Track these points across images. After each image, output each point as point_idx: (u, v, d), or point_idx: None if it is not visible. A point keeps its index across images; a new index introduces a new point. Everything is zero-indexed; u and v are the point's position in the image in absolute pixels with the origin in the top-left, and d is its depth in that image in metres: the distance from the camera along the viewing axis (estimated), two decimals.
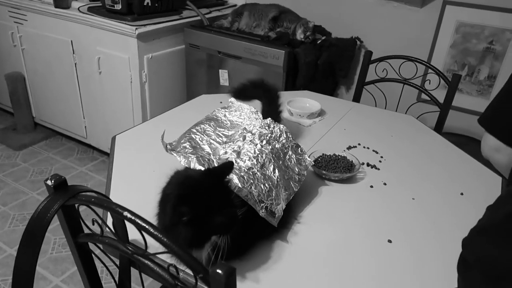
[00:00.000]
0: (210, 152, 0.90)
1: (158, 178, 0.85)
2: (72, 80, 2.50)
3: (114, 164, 1.16)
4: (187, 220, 0.72)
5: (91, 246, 0.79)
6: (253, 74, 2.17)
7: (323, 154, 1.21)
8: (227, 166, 0.79)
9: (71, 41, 2.37)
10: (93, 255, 0.81)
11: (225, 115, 1.07)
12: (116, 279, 0.84)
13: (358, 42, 2.32)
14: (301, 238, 0.91)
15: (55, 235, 2.00)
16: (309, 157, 1.06)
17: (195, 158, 0.84)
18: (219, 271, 0.53)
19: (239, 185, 0.81)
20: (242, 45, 2.11)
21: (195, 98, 1.67)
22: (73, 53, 2.40)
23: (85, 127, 2.64)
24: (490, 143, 0.71)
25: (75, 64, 2.43)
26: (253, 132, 0.97)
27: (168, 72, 2.38)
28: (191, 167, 0.83)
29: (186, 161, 0.84)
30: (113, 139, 1.29)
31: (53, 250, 1.94)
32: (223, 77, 2.29)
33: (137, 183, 1.08)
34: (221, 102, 1.59)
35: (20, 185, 2.39)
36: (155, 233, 0.57)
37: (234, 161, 0.87)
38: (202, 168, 0.83)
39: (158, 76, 2.30)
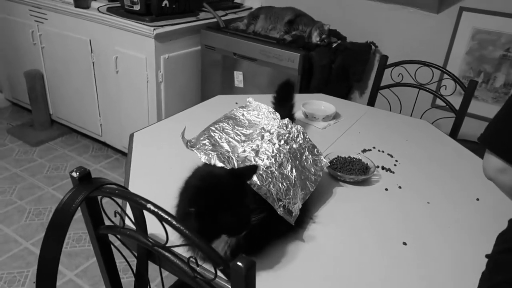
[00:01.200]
0: (229, 150, 0.92)
1: (175, 174, 0.87)
2: (89, 79, 2.54)
3: (132, 160, 1.18)
4: (194, 213, 0.73)
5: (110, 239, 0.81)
6: (268, 76, 2.18)
7: (338, 156, 1.22)
8: (251, 169, 0.80)
9: (90, 41, 2.41)
10: (112, 247, 0.83)
11: (243, 114, 1.09)
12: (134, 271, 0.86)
13: (373, 47, 2.32)
14: (316, 238, 0.92)
15: (69, 230, 2.03)
16: (324, 158, 1.07)
17: (215, 155, 0.86)
18: (239, 263, 0.54)
19: (258, 183, 0.83)
20: (258, 47, 2.13)
21: (210, 99, 1.69)
22: (91, 52, 2.44)
23: (101, 125, 2.68)
24: (494, 164, 0.65)
25: (93, 63, 2.47)
26: (271, 131, 0.98)
27: (184, 73, 2.41)
28: (212, 163, 0.85)
29: (206, 157, 0.86)
30: (131, 136, 1.31)
31: (68, 244, 1.97)
32: (238, 78, 2.32)
33: (155, 180, 1.11)
34: (236, 103, 1.60)
35: (36, 180, 2.43)
36: (177, 225, 0.59)
37: (253, 160, 0.89)
38: (222, 165, 0.84)
39: (174, 76, 2.33)
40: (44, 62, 2.76)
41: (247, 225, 0.76)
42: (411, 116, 1.71)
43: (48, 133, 2.94)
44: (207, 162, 0.86)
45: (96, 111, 2.64)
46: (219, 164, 0.85)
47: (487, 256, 0.62)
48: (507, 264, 0.54)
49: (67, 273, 1.82)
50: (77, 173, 0.71)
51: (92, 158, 2.72)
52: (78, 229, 2.05)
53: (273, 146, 0.93)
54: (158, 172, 1.14)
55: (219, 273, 0.59)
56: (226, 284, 0.76)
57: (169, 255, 0.66)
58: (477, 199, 1.12)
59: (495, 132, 0.67)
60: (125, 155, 2.76)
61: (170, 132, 1.36)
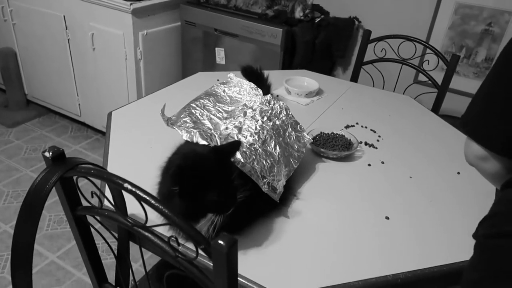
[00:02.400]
0: (211, 127, 0.89)
1: (155, 153, 0.84)
2: (65, 57, 2.45)
3: (110, 140, 1.15)
4: (178, 192, 0.71)
5: (90, 221, 0.79)
6: (250, 53, 2.14)
7: (321, 132, 1.21)
8: (235, 145, 0.79)
9: (64, 16, 2.31)
10: (91, 228, 0.81)
11: (224, 91, 1.06)
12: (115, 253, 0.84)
13: (356, 22, 2.29)
14: (300, 214, 0.91)
15: (50, 212, 2.00)
16: (307, 135, 1.06)
17: (197, 133, 0.83)
18: (221, 242, 0.53)
19: (242, 160, 0.81)
20: (239, 22, 2.08)
21: (191, 76, 1.64)
22: (66, 28, 2.34)
23: (79, 104, 2.61)
24: (475, 152, 0.61)
25: (68, 40, 2.38)
26: (253, 108, 0.96)
27: (164, 50, 2.35)
28: (194, 141, 0.82)
29: (188, 135, 0.83)
30: (109, 115, 1.27)
31: (49, 227, 1.94)
32: (220, 55, 2.26)
33: (135, 159, 1.08)
34: (218, 80, 1.57)
35: (13, 162, 2.37)
36: (156, 204, 0.57)
37: (236, 137, 0.87)
38: (205, 143, 0.82)
39: (153, 54, 2.27)
40: (16, 40, 2.64)
41: (233, 202, 0.75)
42: (394, 91, 1.71)
43: (24, 113, 2.84)
44: (189, 140, 0.84)
45: (74, 90, 2.56)
46: (202, 142, 0.82)
47: (474, 237, 0.61)
48: (502, 251, 0.52)
49: (49, 255, 1.80)
50: (50, 153, 0.67)
51: (72, 139, 2.66)
52: (59, 211, 2.01)
53: (256, 123, 0.91)
54: (138, 151, 1.11)
55: (201, 252, 0.58)
56: (209, 263, 0.75)
57: (149, 235, 0.64)
58: (458, 173, 1.13)
59: (475, 116, 0.61)
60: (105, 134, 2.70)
61: (150, 110, 1.32)
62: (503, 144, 0.58)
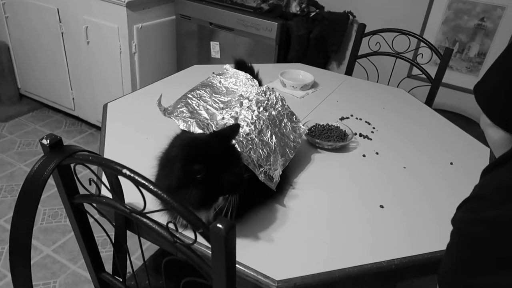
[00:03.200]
0: (208, 117, 0.90)
1: (151, 144, 0.85)
2: (59, 50, 2.44)
3: (106, 132, 1.15)
4: (201, 178, 0.71)
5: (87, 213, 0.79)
6: (245, 47, 2.14)
7: (316, 124, 1.22)
8: (233, 128, 0.79)
9: (57, 9, 2.30)
10: (88, 216, 0.81)
11: (220, 82, 1.06)
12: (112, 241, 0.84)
13: (351, 17, 2.30)
14: (295, 203, 0.92)
15: (44, 206, 1.99)
16: (302, 125, 1.07)
17: (194, 122, 0.83)
18: (219, 225, 0.53)
19: (239, 149, 0.82)
20: (234, 16, 2.08)
21: (187, 69, 1.65)
22: (60, 22, 2.33)
23: (73, 99, 2.59)
24: (483, 118, 0.67)
25: (62, 33, 2.36)
26: (250, 98, 0.97)
27: (158, 43, 2.34)
28: (191, 130, 0.83)
29: (185, 125, 0.84)
30: (105, 106, 1.27)
31: (43, 220, 1.93)
32: (215, 49, 2.26)
33: (130, 150, 1.08)
34: (213, 73, 1.57)
35: (7, 156, 2.35)
36: (155, 189, 0.58)
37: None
38: (201, 131, 0.82)
39: (148, 47, 2.26)
40: (9, 33, 2.62)
41: (244, 181, 0.76)
42: (388, 85, 1.72)
43: (17, 108, 2.82)
44: (186, 129, 0.84)
45: (68, 84, 2.55)
46: (199, 131, 0.83)
47: (453, 222, 0.62)
48: (478, 239, 0.53)
49: (44, 249, 1.79)
50: (48, 140, 0.68)
51: (66, 133, 2.65)
52: (54, 204, 2.00)
53: (252, 113, 0.92)
54: (134, 142, 1.11)
55: (199, 240, 0.59)
56: (206, 250, 0.76)
57: (147, 221, 0.65)
58: (451, 163, 1.14)
59: (482, 89, 0.67)
60: (100, 129, 2.69)
61: (146, 102, 1.32)
62: (506, 122, 0.63)
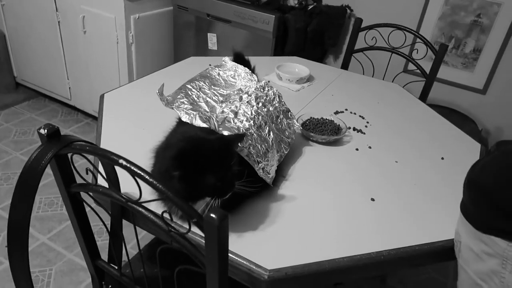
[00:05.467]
0: (208, 110, 0.91)
1: (147, 135, 0.86)
2: (55, 39, 2.43)
3: (103, 122, 1.16)
4: (178, 176, 0.73)
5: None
6: (242, 39, 2.15)
7: (311, 117, 1.23)
8: (240, 137, 0.81)
9: None
10: (85, 205, 0.83)
11: (219, 74, 1.07)
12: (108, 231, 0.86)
13: (348, 11, 2.31)
14: (289, 195, 0.94)
15: (40, 195, 2.00)
16: (297, 119, 1.09)
17: (197, 115, 0.84)
18: (212, 215, 0.55)
19: (239, 144, 0.83)
20: (232, 8, 2.08)
21: (184, 60, 1.65)
22: (56, 10, 2.32)
23: (69, 88, 2.59)
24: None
25: (59, 22, 2.35)
26: (249, 93, 0.98)
27: (156, 34, 2.34)
28: (194, 123, 0.84)
29: (188, 117, 0.85)
30: (102, 97, 1.28)
31: (39, 209, 1.95)
32: (212, 41, 2.27)
33: (127, 140, 1.09)
34: (210, 65, 1.57)
35: (3, 145, 2.35)
36: (150, 179, 0.59)
37: (232, 121, 0.88)
38: (204, 125, 0.83)
39: (145, 38, 2.26)
40: (5, 21, 2.61)
41: (231, 188, 0.77)
42: (383, 79, 1.74)
43: (13, 96, 2.82)
44: (188, 121, 0.85)
45: (64, 73, 2.54)
46: (202, 124, 0.84)
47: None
48: None
49: (40, 237, 1.81)
50: (45, 130, 0.69)
51: (62, 123, 2.65)
52: (50, 193, 2.01)
53: (251, 108, 0.93)
54: (131, 133, 1.12)
55: (193, 230, 0.61)
56: (200, 240, 0.78)
57: (143, 211, 0.66)
58: (442, 158, 1.16)
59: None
60: (96, 119, 2.69)
61: (143, 93, 1.33)
62: None
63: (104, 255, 0.96)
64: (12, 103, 2.76)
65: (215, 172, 0.75)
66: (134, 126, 1.15)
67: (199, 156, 0.75)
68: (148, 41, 2.29)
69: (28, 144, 2.37)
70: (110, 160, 0.62)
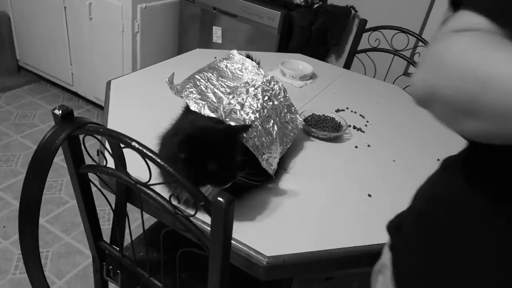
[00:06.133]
0: (215, 100, 0.93)
1: (153, 123, 0.88)
2: (60, 25, 2.44)
3: (110, 108, 1.18)
4: (183, 158, 0.76)
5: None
6: (247, 34, 2.17)
7: (313, 113, 1.26)
8: (245, 128, 0.83)
9: None
10: (92, 185, 0.85)
11: (226, 66, 1.10)
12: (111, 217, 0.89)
13: (353, 11, 2.33)
14: (289, 187, 0.97)
15: None
16: (300, 115, 1.12)
17: (206, 105, 0.87)
18: (220, 199, 0.58)
19: (245, 135, 0.86)
20: (238, 3, 2.10)
21: (189, 52, 1.67)
22: None
23: (72, 74, 2.60)
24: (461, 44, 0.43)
25: (65, 8, 2.36)
26: (256, 86, 1.00)
27: (161, 24, 2.35)
28: (202, 113, 0.86)
29: (197, 106, 0.87)
30: (108, 83, 1.30)
31: None
32: (216, 34, 2.29)
33: (133, 127, 1.11)
34: (215, 57, 1.60)
35: (3, 127, 2.37)
36: (161, 162, 0.62)
37: (238, 113, 0.91)
38: (213, 115, 0.86)
39: (150, 28, 2.27)
40: (11, 4, 2.61)
41: (232, 177, 0.79)
42: (384, 81, 1.77)
43: (15, 79, 2.83)
44: (197, 111, 0.87)
45: (68, 59, 2.55)
46: (211, 114, 0.86)
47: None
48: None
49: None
50: (60, 111, 0.71)
51: None
52: (49, 177, 2.02)
53: (257, 102, 0.96)
54: (136, 121, 1.15)
55: (197, 215, 0.63)
56: (204, 226, 0.80)
57: (151, 193, 0.69)
58: (438, 160, 1.20)
59: None
60: (97, 106, 2.71)
61: (148, 82, 1.35)
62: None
63: (106, 239, 0.98)
64: (13, 86, 2.77)
65: (218, 159, 0.77)
66: (140, 113, 1.18)
67: (204, 142, 0.77)
68: (153, 31, 2.31)
69: (28, 127, 2.39)
70: (123, 142, 0.64)
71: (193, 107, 0.87)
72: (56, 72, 2.68)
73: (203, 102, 0.88)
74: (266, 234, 0.84)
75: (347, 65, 1.96)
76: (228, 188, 0.82)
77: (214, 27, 2.27)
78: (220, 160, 0.78)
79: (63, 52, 2.54)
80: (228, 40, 2.26)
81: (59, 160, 2.08)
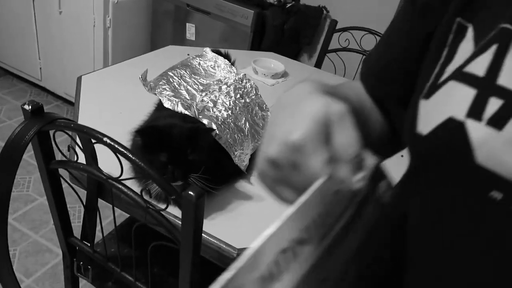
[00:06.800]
0: (188, 97, 0.94)
1: (124, 119, 0.89)
2: (28, 18, 2.37)
3: (80, 104, 1.17)
4: (138, 142, 0.80)
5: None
6: (220, 31, 2.18)
7: None
8: (207, 130, 0.85)
9: None
10: (62, 180, 0.85)
11: (199, 63, 1.11)
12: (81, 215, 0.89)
13: (325, 12, 2.38)
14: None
15: None
16: (271, 113, 1.14)
17: (179, 102, 0.88)
18: (191, 192, 0.60)
19: (217, 132, 0.87)
20: (212, 0, 2.11)
21: (162, 48, 1.67)
22: None
23: (40, 68, 2.54)
24: None
25: (33, 0, 2.30)
26: (228, 84, 1.02)
27: (133, 20, 2.33)
28: (176, 110, 0.87)
29: (170, 103, 0.88)
30: (79, 79, 1.29)
31: None
32: (190, 31, 2.29)
33: (104, 123, 1.11)
34: (188, 55, 1.60)
35: None
36: (133, 157, 0.63)
37: (211, 110, 0.93)
38: (187, 112, 0.87)
39: (122, 23, 2.25)
40: None
41: (182, 177, 0.79)
42: (353, 79, 1.82)
43: None
44: (170, 108, 0.88)
45: (36, 53, 2.49)
46: (185, 112, 0.87)
47: None
48: None
49: None
50: (30, 106, 0.71)
51: None
52: (17, 174, 1.98)
53: (230, 99, 0.98)
54: (107, 116, 1.14)
55: (168, 210, 0.65)
56: (175, 220, 0.82)
57: (123, 188, 0.70)
58: (401, 156, 1.25)
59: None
60: (67, 102, 2.65)
61: (120, 78, 1.35)
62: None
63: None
64: None
65: (170, 152, 0.79)
66: (111, 110, 1.17)
67: (162, 132, 0.79)
68: (125, 26, 2.28)
69: None
70: (94, 137, 0.65)
71: (167, 104, 0.88)
72: (24, 66, 2.61)
73: (177, 100, 0.89)
74: (237, 227, 0.86)
75: (318, 64, 2.01)
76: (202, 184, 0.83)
77: (187, 24, 2.27)
78: (171, 154, 0.79)
79: (31, 46, 2.47)
80: (202, 37, 2.27)
81: (27, 157, 2.03)
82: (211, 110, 0.92)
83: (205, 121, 0.89)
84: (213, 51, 1.32)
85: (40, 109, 0.72)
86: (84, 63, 2.31)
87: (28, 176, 2.02)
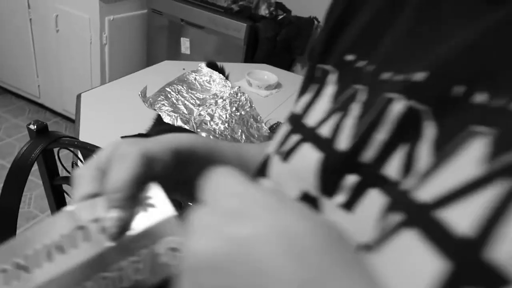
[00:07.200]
0: (186, 112, 0.99)
1: (124, 135, 0.92)
2: (26, 37, 2.42)
3: (81, 122, 1.21)
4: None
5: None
6: (214, 45, 2.23)
7: (278, 121, 1.33)
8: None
9: None
10: (65, 197, 0.89)
11: (195, 78, 1.16)
12: None
13: (316, 22, 2.44)
14: None
15: None
16: (265, 123, 1.19)
17: (178, 117, 0.93)
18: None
19: None
20: (205, 14, 2.16)
21: (157, 64, 1.72)
22: (29, 7, 2.31)
23: (39, 86, 2.58)
24: None
25: (30, 20, 2.35)
26: (224, 98, 1.07)
27: (129, 36, 2.38)
28: (176, 125, 0.92)
29: (170, 119, 0.93)
30: (79, 96, 1.33)
31: None
32: (185, 45, 2.34)
33: (105, 140, 1.15)
34: (183, 69, 1.65)
35: None
36: None
37: (209, 124, 0.97)
38: (186, 127, 0.91)
39: (119, 40, 2.30)
40: None
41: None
42: None
43: None
44: (170, 123, 0.92)
45: (34, 71, 2.53)
46: (184, 126, 0.92)
47: None
48: None
49: None
50: (35, 126, 0.75)
51: (29, 121, 2.61)
52: None
53: (226, 112, 1.02)
54: (108, 133, 1.18)
55: None
56: None
57: None
58: None
59: None
60: (66, 118, 2.69)
61: (119, 94, 1.39)
62: None
63: None
64: None
65: None
66: (111, 127, 1.21)
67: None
68: (121, 42, 2.33)
69: None
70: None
71: (167, 119, 0.92)
72: (22, 84, 2.65)
73: (176, 114, 0.93)
74: None
75: None
76: None
77: (182, 38, 2.32)
78: None
79: (29, 64, 2.52)
80: (196, 51, 2.32)
81: None
82: (208, 124, 0.97)
83: (203, 134, 0.93)
84: (209, 62, 1.36)
85: (44, 128, 0.75)
86: (82, 79, 2.35)
87: (29, 193, 2.04)
